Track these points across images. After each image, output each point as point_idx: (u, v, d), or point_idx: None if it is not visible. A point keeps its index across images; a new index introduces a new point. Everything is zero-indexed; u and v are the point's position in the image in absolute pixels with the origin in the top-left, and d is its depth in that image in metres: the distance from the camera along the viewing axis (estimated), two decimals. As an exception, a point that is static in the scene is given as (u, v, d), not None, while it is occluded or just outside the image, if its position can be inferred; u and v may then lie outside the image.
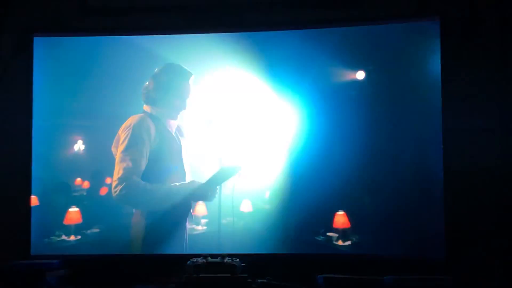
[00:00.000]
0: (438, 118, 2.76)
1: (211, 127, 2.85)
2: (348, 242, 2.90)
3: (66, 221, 2.94)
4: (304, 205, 2.94)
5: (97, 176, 2.97)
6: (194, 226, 2.95)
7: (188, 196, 2.78)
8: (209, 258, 2.47)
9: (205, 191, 2.79)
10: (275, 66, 2.96)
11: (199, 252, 2.60)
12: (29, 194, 2.94)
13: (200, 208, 2.98)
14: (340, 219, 2.93)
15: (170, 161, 2.82)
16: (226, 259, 2.45)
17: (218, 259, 2.45)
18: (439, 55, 2.77)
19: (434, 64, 2.80)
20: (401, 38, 2.91)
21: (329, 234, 2.94)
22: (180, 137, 2.91)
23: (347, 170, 2.91)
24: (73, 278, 2.73)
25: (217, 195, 2.86)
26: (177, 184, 2.78)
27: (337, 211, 2.93)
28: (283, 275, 2.60)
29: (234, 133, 2.97)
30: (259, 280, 2.54)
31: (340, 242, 2.91)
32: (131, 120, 2.77)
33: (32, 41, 2.99)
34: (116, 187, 2.69)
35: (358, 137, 2.93)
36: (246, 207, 3.00)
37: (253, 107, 2.98)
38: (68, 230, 2.94)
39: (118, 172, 2.71)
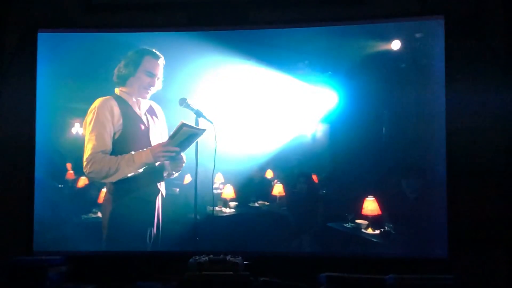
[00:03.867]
0: (442, 117, 2.76)
1: (185, 106, 2.83)
2: (378, 231, 2.85)
3: (100, 200, 3.03)
4: (332, 189, 2.97)
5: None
6: (222, 208, 3.13)
7: (153, 157, 2.75)
8: (212, 256, 2.47)
9: (168, 148, 2.75)
10: (282, 63, 3.01)
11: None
12: (32, 190, 2.96)
13: (228, 191, 3.13)
14: (370, 205, 2.85)
15: (136, 141, 2.85)
16: (229, 257, 2.45)
17: (220, 257, 2.45)
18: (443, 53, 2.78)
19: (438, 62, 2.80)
20: (406, 35, 2.91)
21: (358, 221, 2.90)
22: (151, 118, 2.95)
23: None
24: (75, 275, 2.72)
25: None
26: (140, 150, 2.81)
27: (367, 197, 2.88)
28: (286, 274, 2.60)
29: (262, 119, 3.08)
30: (261, 278, 2.54)
31: (370, 230, 2.87)
32: (96, 103, 2.83)
33: (36, 37, 3.01)
34: (86, 166, 2.77)
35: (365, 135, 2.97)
36: (278, 190, 3.10)
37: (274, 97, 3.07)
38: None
39: (86, 152, 2.78)
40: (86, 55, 3.07)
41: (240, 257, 2.47)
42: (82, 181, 3.09)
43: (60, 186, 3.09)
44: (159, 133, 2.98)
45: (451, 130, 2.75)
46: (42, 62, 3.02)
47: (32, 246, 2.92)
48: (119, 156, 2.77)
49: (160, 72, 2.92)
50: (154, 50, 2.91)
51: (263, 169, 3.15)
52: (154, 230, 2.92)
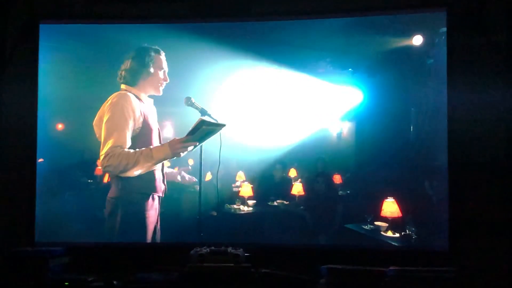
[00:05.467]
0: (443, 110, 2.75)
1: (190, 104, 2.84)
2: (398, 234, 2.79)
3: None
4: (352, 190, 2.96)
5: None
6: (240, 206, 3.20)
7: (171, 152, 2.72)
8: (213, 247, 2.47)
9: (187, 144, 2.72)
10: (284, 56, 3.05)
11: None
12: (33, 181, 2.97)
13: (246, 189, 3.17)
14: (389, 207, 2.77)
15: (153, 137, 2.86)
16: (230, 249, 2.45)
17: (221, 249, 2.46)
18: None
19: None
20: (408, 28, 2.91)
21: (377, 223, 2.85)
22: (156, 116, 2.97)
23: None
24: (77, 266, 2.73)
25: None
26: (158, 145, 2.83)
27: (386, 198, 2.80)
28: (287, 265, 2.60)
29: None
30: (263, 270, 2.54)
31: (389, 233, 2.80)
32: (115, 98, 2.80)
33: (38, 28, 3.00)
34: (103, 160, 2.73)
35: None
36: (297, 190, 3.12)
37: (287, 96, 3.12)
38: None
39: (106, 146, 2.73)
40: (89, 48, 3.10)
41: (241, 249, 2.48)
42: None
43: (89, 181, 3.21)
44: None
45: (453, 122, 2.75)
46: (44, 54, 3.02)
47: (34, 237, 2.93)
48: (137, 150, 2.74)
49: (165, 65, 2.94)
50: (156, 47, 2.91)
51: (284, 168, 3.19)
52: (158, 225, 2.93)
